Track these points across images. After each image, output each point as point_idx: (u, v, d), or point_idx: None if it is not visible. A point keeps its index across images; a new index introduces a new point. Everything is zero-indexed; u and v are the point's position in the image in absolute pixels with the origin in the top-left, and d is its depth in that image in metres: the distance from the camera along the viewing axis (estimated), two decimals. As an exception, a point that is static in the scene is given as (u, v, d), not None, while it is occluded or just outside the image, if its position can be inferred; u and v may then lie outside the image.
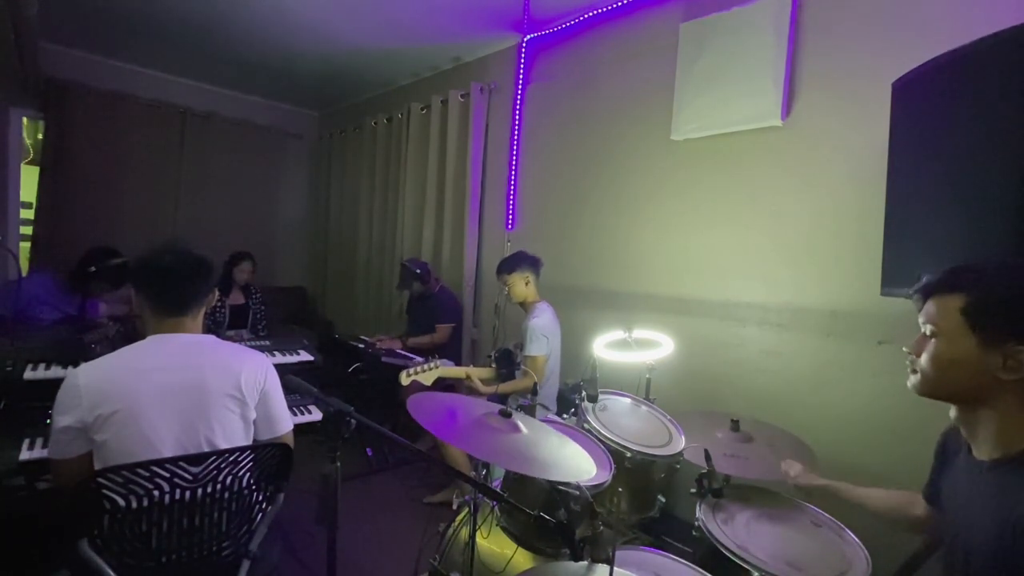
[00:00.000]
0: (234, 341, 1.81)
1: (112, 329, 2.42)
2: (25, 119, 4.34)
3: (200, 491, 1.28)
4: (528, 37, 3.42)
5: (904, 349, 1.03)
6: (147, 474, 1.19)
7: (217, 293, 1.59)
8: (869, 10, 2.07)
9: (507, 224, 3.60)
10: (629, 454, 1.73)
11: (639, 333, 2.29)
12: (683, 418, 1.96)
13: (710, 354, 2.50)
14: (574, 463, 1.19)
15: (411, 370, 2.40)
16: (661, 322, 2.51)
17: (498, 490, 1.52)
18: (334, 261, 5.36)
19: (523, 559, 1.50)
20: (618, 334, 2.25)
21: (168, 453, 1.25)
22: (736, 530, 1.42)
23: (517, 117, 3.52)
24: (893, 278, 1.53)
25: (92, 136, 4.26)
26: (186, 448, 1.28)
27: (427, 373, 2.42)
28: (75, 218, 4.20)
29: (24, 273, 3.42)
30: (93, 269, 2.75)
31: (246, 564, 1.40)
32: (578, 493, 1.44)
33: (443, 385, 2.64)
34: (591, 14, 3.08)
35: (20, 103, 4.09)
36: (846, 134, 2.11)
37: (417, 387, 2.31)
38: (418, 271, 3.55)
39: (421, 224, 4.12)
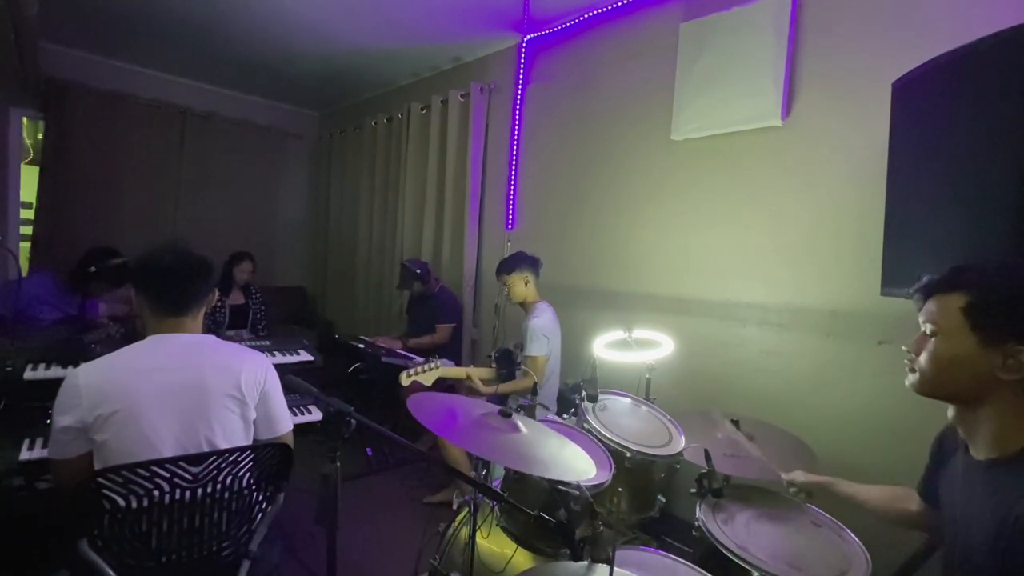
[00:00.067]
0: (234, 341, 1.80)
1: (112, 329, 2.42)
2: (25, 119, 4.34)
3: (200, 491, 1.28)
4: (528, 37, 3.42)
5: (903, 348, 1.03)
6: (147, 474, 1.19)
7: (217, 293, 1.59)
8: (869, 10, 2.07)
9: (507, 224, 3.60)
10: (629, 454, 1.73)
11: (639, 333, 2.29)
12: (683, 418, 1.96)
13: (710, 354, 2.50)
14: (574, 463, 1.19)
15: (411, 371, 2.40)
16: (661, 322, 2.51)
17: (498, 490, 1.52)
18: (334, 261, 5.36)
19: (523, 559, 1.50)
20: (618, 334, 2.25)
21: (168, 453, 1.25)
22: (736, 530, 1.42)
23: (517, 117, 3.52)
24: (893, 278, 1.53)
25: (92, 136, 4.26)
26: (186, 448, 1.28)
27: (427, 374, 2.42)
28: (75, 218, 4.20)
29: (24, 273, 3.43)
30: (93, 269, 2.75)
31: (246, 564, 1.40)
32: (578, 493, 1.44)
33: (443, 385, 2.64)
34: (591, 14, 3.08)
35: (20, 103, 4.09)
36: (846, 134, 2.11)
37: (417, 387, 2.31)
38: (418, 271, 3.55)
39: (421, 224, 4.12)
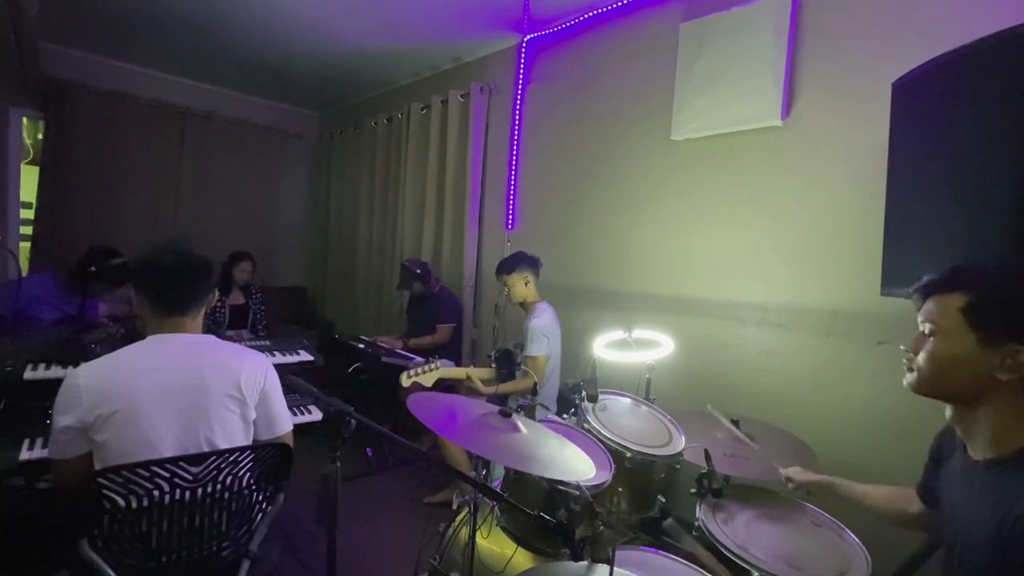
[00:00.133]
0: (234, 341, 1.80)
1: (112, 329, 2.42)
2: (25, 119, 4.34)
3: (200, 491, 1.28)
4: (528, 37, 3.42)
5: (902, 347, 1.03)
6: (147, 474, 1.19)
7: (217, 293, 1.59)
8: (869, 10, 2.07)
9: (507, 224, 3.60)
10: (629, 454, 1.73)
11: (639, 333, 2.29)
12: (683, 418, 1.96)
13: (710, 354, 2.50)
14: (574, 463, 1.19)
15: (412, 372, 2.40)
16: (661, 322, 2.51)
17: (498, 490, 1.52)
18: (334, 261, 5.36)
19: (523, 559, 1.50)
20: (618, 334, 2.25)
21: (168, 453, 1.25)
22: (736, 530, 1.42)
23: (517, 117, 3.52)
24: (893, 278, 1.53)
25: (92, 136, 4.26)
26: (186, 448, 1.28)
27: (428, 375, 2.42)
28: (75, 218, 4.20)
29: (24, 273, 3.43)
30: (93, 269, 2.75)
31: (246, 564, 1.40)
32: (578, 493, 1.44)
33: (443, 385, 2.64)
34: (591, 14, 3.08)
35: (20, 103, 4.09)
36: (846, 134, 2.11)
37: (417, 388, 2.31)
38: (418, 271, 3.55)
39: (421, 224, 4.12)
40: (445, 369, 2.50)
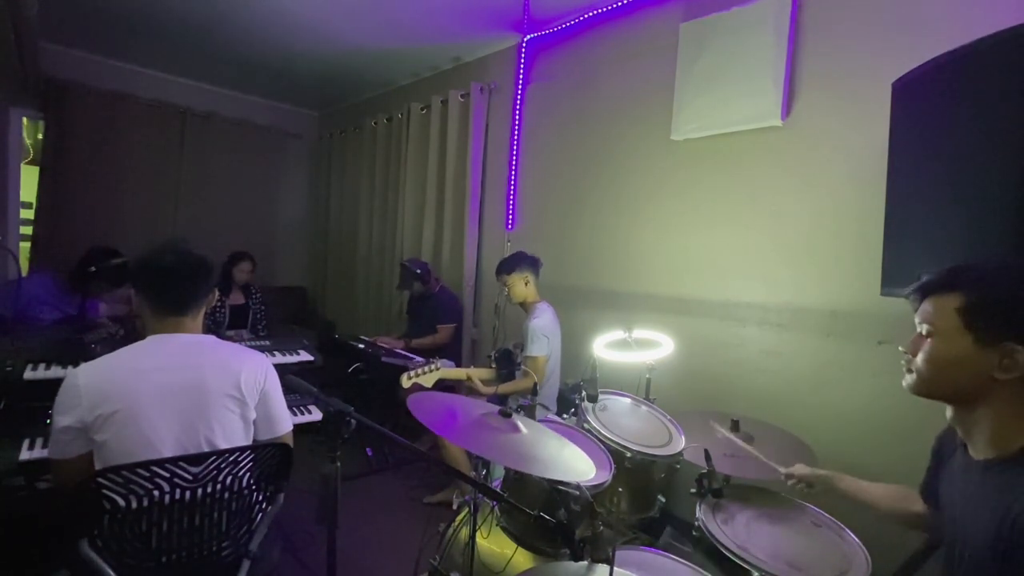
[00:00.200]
0: (234, 341, 1.81)
1: (112, 329, 2.42)
2: (25, 119, 4.34)
3: (200, 491, 1.28)
4: (528, 37, 3.42)
5: (900, 348, 1.03)
6: (147, 474, 1.19)
7: (217, 293, 1.59)
8: (869, 10, 2.07)
9: (507, 224, 3.60)
10: (629, 454, 1.73)
11: (639, 333, 2.29)
12: (683, 418, 1.96)
13: (710, 354, 2.50)
14: (574, 463, 1.19)
15: (412, 372, 2.40)
16: (661, 322, 2.51)
17: (498, 490, 1.52)
18: (334, 261, 5.36)
19: (523, 559, 1.50)
20: (618, 334, 2.25)
21: (168, 453, 1.25)
22: (736, 530, 1.42)
23: (517, 117, 3.52)
24: (893, 278, 1.53)
25: (92, 136, 4.26)
26: (186, 448, 1.28)
27: (428, 375, 2.42)
28: (75, 218, 4.20)
29: (24, 273, 3.43)
30: (93, 269, 2.75)
31: (246, 564, 1.40)
32: (578, 493, 1.44)
33: (443, 385, 2.64)
34: (591, 14, 3.07)
35: (20, 103, 4.09)
36: (846, 134, 2.11)
37: (418, 388, 2.31)
38: (418, 271, 3.55)
39: (421, 224, 4.12)
40: (445, 370, 2.50)
